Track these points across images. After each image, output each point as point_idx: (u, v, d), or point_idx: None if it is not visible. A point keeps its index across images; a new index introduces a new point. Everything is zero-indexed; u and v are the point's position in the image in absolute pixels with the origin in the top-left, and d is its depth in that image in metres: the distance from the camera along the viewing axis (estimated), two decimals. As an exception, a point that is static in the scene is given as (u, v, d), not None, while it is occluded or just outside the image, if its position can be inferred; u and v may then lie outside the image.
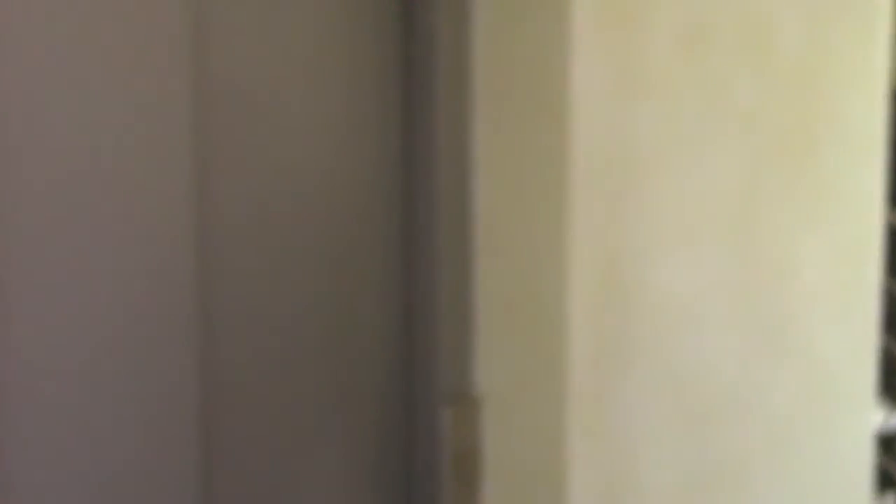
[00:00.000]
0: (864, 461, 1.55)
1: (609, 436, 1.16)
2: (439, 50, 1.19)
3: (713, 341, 1.28)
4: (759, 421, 1.37)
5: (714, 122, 1.25)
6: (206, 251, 1.10)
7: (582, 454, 1.15)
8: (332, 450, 1.22)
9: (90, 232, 1.03)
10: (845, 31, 1.42)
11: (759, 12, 1.29)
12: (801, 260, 1.39)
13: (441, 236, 1.21)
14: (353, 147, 1.21)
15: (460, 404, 1.22)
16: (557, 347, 1.13)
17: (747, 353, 1.33)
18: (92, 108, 1.02)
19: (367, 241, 1.23)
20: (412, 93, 1.23)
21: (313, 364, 1.20)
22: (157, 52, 1.05)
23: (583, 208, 1.13)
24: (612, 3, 1.12)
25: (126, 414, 1.06)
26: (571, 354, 1.12)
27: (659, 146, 1.19)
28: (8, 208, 0.98)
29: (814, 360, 1.43)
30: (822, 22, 1.38)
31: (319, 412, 1.21)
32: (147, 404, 1.07)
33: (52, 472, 1.02)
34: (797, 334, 1.40)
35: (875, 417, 1.87)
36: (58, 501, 1.03)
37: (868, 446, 1.55)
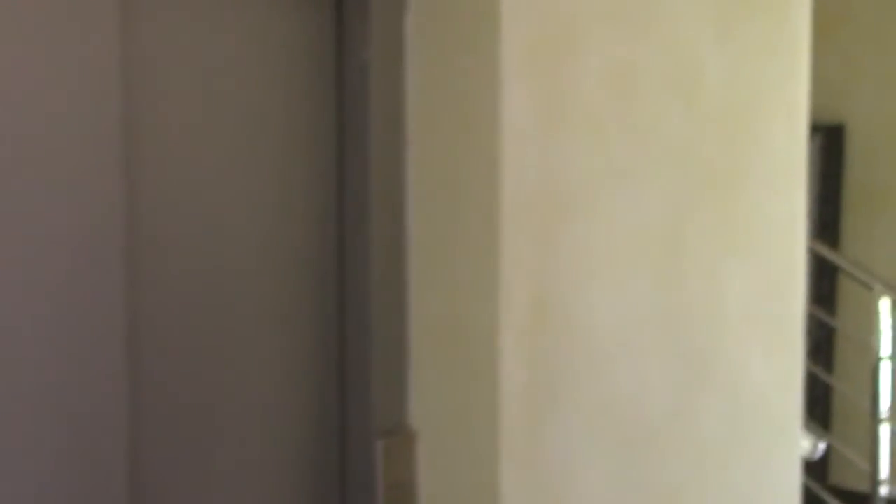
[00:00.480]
0: (793, 487, 1.58)
1: (542, 467, 1.17)
2: (372, 86, 1.20)
3: (643, 371, 1.30)
4: (690, 448, 1.39)
5: (642, 156, 1.28)
6: (134, 296, 1.09)
7: (515, 486, 1.15)
8: (265, 482, 1.21)
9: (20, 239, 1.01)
10: (769, 68, 1.48)
11: (686, 50, 1.33)
12: (728, 290, 1.42)
13: (374, 270, 1.22)
14: (284, 181, 1.21)
15: (395, 437, 1.22)
16: (489, 380, 1.14)
17: (677, 382, 1.36)
18: (20, 135, 1.01)
19: (301, 277, 1.23)
20: (345, 129, 1.24)
21: (245, 397, 1.19)
22: (88, 88, 1.04)
23: (513, 242, 1.14)
24: (541, 41, 1.15)
25: (49, 422, 1.03)
26: (503, 386, 1.13)
27: (588, 180, 1.22)
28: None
29: (742, 388, 1.46)
30: (747, 60, 1.43)
31: (251, 445, 1.20)
32: (71, 413, 1.05)
33: None
34: (726, 362, 1.43)
35: (803, 443, 1.91)
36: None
37: (797, 472, 1.59)
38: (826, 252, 3.30)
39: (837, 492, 3.33)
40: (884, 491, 2.98)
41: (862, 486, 3.10)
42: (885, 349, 2.90)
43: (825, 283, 3.90)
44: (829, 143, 3.98)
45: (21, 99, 1.00)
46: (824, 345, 3.92)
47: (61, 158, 1.02)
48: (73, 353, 1.04)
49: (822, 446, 2.37)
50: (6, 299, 1.00)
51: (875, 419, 2.92)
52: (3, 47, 0.99)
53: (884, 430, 2.93)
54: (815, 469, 3.21)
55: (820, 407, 3.81)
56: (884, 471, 2.97)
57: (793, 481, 1.58)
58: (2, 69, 0.99)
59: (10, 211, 1.00)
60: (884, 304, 2.92)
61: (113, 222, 1.06)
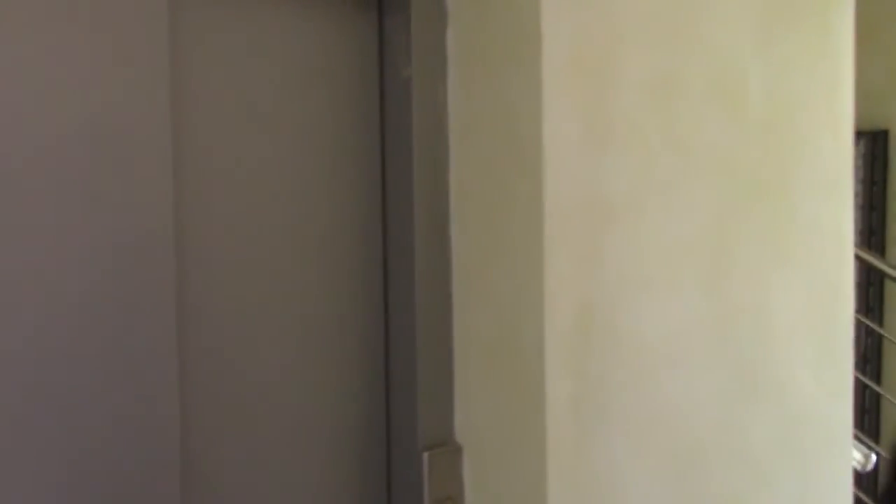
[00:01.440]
0: (844, 498, 1.55)
1: (589, 480, 1.17)
2: (414, 101, 1.21)
3: (690, 383, 1.29)
4: (739, 461, 1.37)
5: (685, 168, 1.27)
6: (184, 326, 1.11)
7: (562, 500, 1.15)
8: (311, 493, 1.22)
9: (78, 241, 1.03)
10: (813, 75, 1.46)
11: (728, 59, 1.32)
12: (776, 299, 1.41)
13: (418, 285, 1.22)
14: (328, 197, 1.22)
15: (440, 451, 1.22)
16: (535, 393, 1.13)
17: (725, 394, 1.34)
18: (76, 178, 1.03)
19: (346, 291, 1.24)
20: (388, 145, 1.25)
21: (292, 409, 1.20)
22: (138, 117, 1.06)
23: (557, 254, 1.14)
24: (582, 52, 1.15)
25: (105, 419, 1.05)
26: (549, 400, 1.13)
27: (631, 191, 1.21)
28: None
29: (791, 399, 1.44)
30: (790, 67, 1.42)
31: (298, 455, 1.21)
32: (123, 416, 1.06)
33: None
34: (774, 373, 1.42)
35: (855, 455, 1.87)
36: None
37: (848, 483, 1.56)
38: (873, 260, 3.25)
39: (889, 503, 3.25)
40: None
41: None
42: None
43: (873, 292, 3.83)
44: (873, 148, 3.93)
45: (82, 113, 1.02)
46: (872, 354, 3.85)
47: (114, 165, 1.05)
48: (127, 355, 1.06)
49: (873, 458, 2.33)
50: (65, 300, 1.02)
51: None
52: (59, 79, 1.01)
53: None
54: (866, 480, 3.15)
55: (870, 417, 3.74)
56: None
57: (844, 493, 1.55)
58: (60, 90, 1.01)
59: (67, 214, 1.02)
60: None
61: (163, 228, 1.08)
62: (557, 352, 1.14)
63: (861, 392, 3.72)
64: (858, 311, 3.65)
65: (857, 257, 2.79)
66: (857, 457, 2.32)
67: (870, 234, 3.92)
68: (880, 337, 3.80)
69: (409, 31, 1.20)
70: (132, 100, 1.05)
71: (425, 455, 1.21)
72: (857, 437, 2.35)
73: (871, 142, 3.91)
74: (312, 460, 1.22)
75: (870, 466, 2.48)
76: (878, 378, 3.84)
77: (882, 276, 3.59)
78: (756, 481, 1.40)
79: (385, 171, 1.26)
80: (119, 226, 1.05)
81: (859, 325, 3.55)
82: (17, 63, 0.99)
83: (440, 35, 1.22)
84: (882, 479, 3.16)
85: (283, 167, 1.19)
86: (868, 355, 3.81)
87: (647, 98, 1.23)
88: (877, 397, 3.72)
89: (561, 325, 1.14)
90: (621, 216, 1.20)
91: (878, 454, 2.63)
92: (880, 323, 3.80)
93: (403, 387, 1.24)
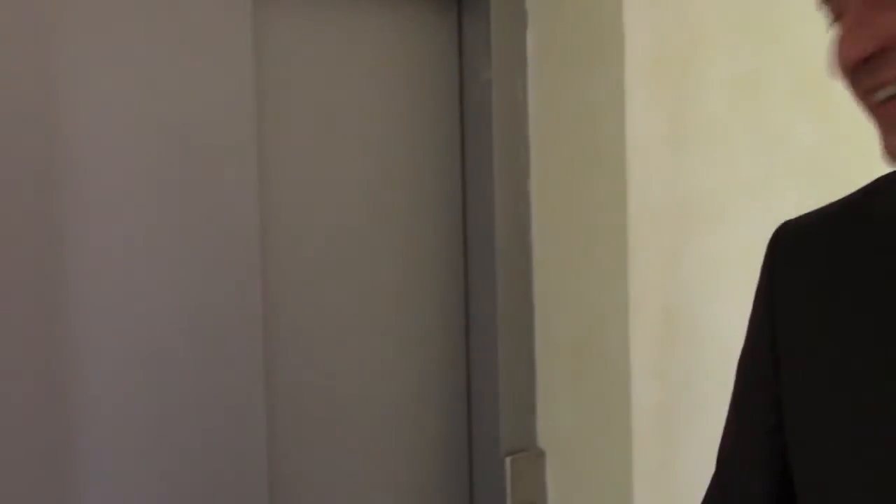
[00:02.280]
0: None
1: (675, 486, 1.15)
2: (495, 104, 1.21)
3: (778, 389, 1.26)
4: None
5: (771, 168, 1.24)
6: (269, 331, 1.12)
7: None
8: (394, 496, 1.22)
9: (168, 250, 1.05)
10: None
11: (813, 56, 1.29)
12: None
13: (499, 291, 1.21)
14: (408, 203, 1.23)
15: (522, 456, 1.21)
16: (620, 399, 1.12)
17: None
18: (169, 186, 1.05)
19: (427, 297, 1.24)
20: (468, 152, 1.25)
21: (375, 414, 1.21)
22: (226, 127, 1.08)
23: (641, 257, 1.12)
24: (665, 52, 1.13)
25: (194, 418, 1.07)
26: (635, 405, 1.11)
27: (715, 192, 1.19)
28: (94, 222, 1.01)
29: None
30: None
31: (381, 459, 1.21)
32: (214, 413, 1.08)
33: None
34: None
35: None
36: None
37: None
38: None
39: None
40: None
41: None
42: None
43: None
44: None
45: (172, 115, 1.04)
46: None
47: (203, 168, 1.06)
48: (217, 359, 1.08)
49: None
50: (157, 308, 1.04)
51: None
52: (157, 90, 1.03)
53: None
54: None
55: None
56: None
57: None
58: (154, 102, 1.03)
59: (156, 220, 1.04)
60: None
61: (249, 229, 1.09)
62: (642, 357, 1.12)
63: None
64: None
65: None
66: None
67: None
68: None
69: (489, 34, 1.20)
70: (218, 101, 1.07)
71: (508, 460, 1.20)
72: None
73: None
74: (396, 466, 1.22)
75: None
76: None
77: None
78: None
79: (465, 176, 1.25)
80: (207, 227, 1.06)
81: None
82: (107, 65, 1.01)
83: (520, 37, 1.21)
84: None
85: (363, 170, 1.19)
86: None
87: (732, 96, 1.20)
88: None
89: (646, 329, 1.12)
90: (706, 218, 1.18)
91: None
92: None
93: (486, 392, 1.23)
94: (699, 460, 1.17)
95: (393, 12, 1.21)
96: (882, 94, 0.47)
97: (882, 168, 1.59)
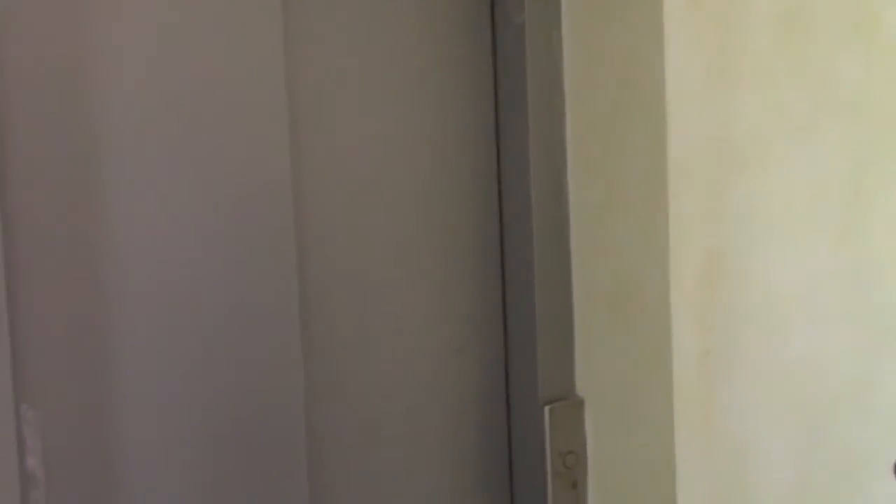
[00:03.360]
0: None
1: (717, 434, 1.13)
2: (528, 48, 1.17)
3: (822, 334, 1.23)
4: (873, 419, 1.31)
5: (817, 107, 1.20)
6: (305, 264, 1.11)
7: (690, 453, 1.12)
8: (431, 448, 1.22)
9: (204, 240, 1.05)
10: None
11: (860, -10, 1.24)
12: (915, 247, 1.32)
13: (535, 237, 1.19)
14: (441, 147, 1.21)
15: (561, 405, 1.20)
16: (661, 346, 1.10)
17: (859, 346, 1.28)
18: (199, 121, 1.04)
19: (462, 245, 1.23)
20: (502, 97, 1.22)
21: (411, 364, 1.20)
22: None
23: (682, 202, 1.10)
24: (706, -11, 1.09)
25: (232, 406, 1.07)
26: (676, 353, 1.09)
27: (758, 133, 1.15)
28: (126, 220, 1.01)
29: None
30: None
31: (418, 411, 1.21)
32: (252, 398, 1.09)
33: (167, 450, 1.05)
34: (912, 325, 1.34)
35: None
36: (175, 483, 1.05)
37: None
38: None
39: None
40: None
41: None
42: None
43: None
44: None
45: (206, 106, 1.04)
46: None
47: (236, 153, 1.06)
48: (254, 346, 1.08)
49: None
50: (193, 303, 1.05)
51: None
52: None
53: None
54: None
55: None
56: None
57: None
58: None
59: (196, 207, 1.04)
60: None
61: (283, 213, 1.09)
62: (683, 303, 1.10)
63: None
64: None
65: None
66: None
67: None
68: None
69: (522, -25, 1.17)
70: (247, 54, 1.05)
71: (546, 409, 1.19)
72: None
73: None
74: (433, 416, 1.22)
75: None
76: None
77: None
78: (891, 438, 1.34)
79: (499, 122, 1.23)
80: (241, 215, 1.06)
81: None
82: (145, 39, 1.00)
83: (554, -23, 1.18)
84: None
85: (394, 116, 1.17)
86: None
87: (775, 33, 1.16)
88: None
89: (687, 275, 1.10)
90: (748, 160, 1.15)
91: None
92: None
93: (523, 341, 1.22)
94: (743, 406, 1.16)
95: (423, -46, 1.18)
96: None
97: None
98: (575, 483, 1.21)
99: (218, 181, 1.05)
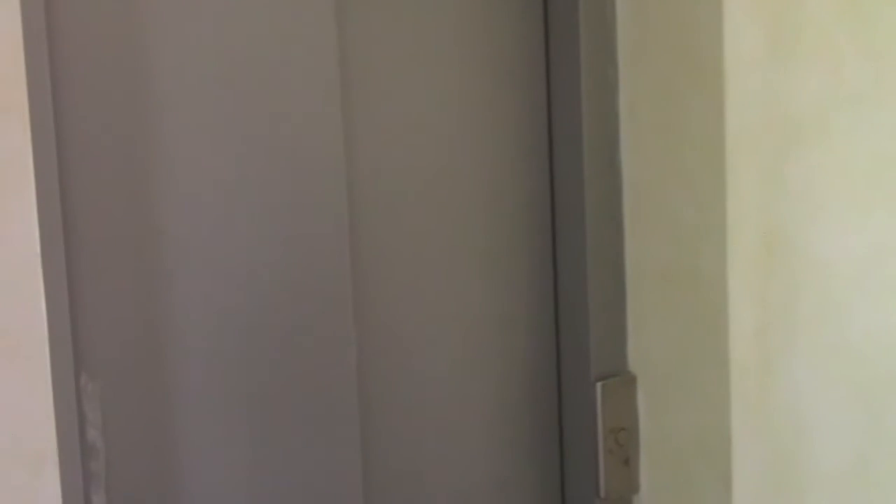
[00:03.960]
0: None
1: (773, 412, 1.11)
2: (581, 16, 1.15)
3: (882, 310, 1.20)
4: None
5: (880, 79, 1.17)
6: (358, 245, 1.11)
7: (745, 430, 1.10)
8: (482, 424, 1.22)
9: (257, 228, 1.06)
10: None
11: (925, -43, 1.20)
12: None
13: (587, 213, 1.18)
14: (493, 119, 1.19)
15: (613, 382, 1.19)
16: (717, 322, 1.08)
17: (920, 324, 1.25)
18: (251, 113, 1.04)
19: (514, 221, 1.22)
20: (553, 69, 1.20)
21: (463, 341, 1.20)
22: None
23: (739, 176, 1.08)
24: (767, -44, 1.06)
25: (287, 367, 1.08)
26: (732, 329, 1.08)
27: (819, 106, 1.12)
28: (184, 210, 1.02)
29: None
30: None
31: (468, 387, 1.21)
32: (306, 383, 1.09)
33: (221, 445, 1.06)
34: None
35: None
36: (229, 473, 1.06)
37: None
38: None
39: None
40: None
41: None
42: None
43: None
44: None
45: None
46: None
47: (290, 139, 1.06)
48: (307, 310, 1.08)
49: None
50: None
51: None
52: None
53: None
54: None
55: None
56: None
57: None
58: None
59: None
60: None
61: (334, 159, 1.08)
62: (740, 278, 1.08)
63: None
64: None
65: None
66: None
67: None
68: None
69: (575, -59, 1.15)
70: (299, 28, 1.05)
71: (598, 385, 1.18)
72: None
73: None
74: (484, 391, 1.22)
75: None
76: None
77: None
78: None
79: (550, 94, 1.21)
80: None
81: None
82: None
83: (608, -55, 1.15)
84: None
85: (445, 84, 1.16)
86: None
87: (838, 2, 1.12)
88: None
89: (744, 250, 1.08)
90: (808, 133, 1.12)
91: None
92: None
93: (574, 316, 1.21)
94: (800, 385, 1.14)
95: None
96: None
97: None
98: (627, 460, 1.20)
99: (272, 164, 1.06)
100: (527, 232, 1.22)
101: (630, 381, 1.19)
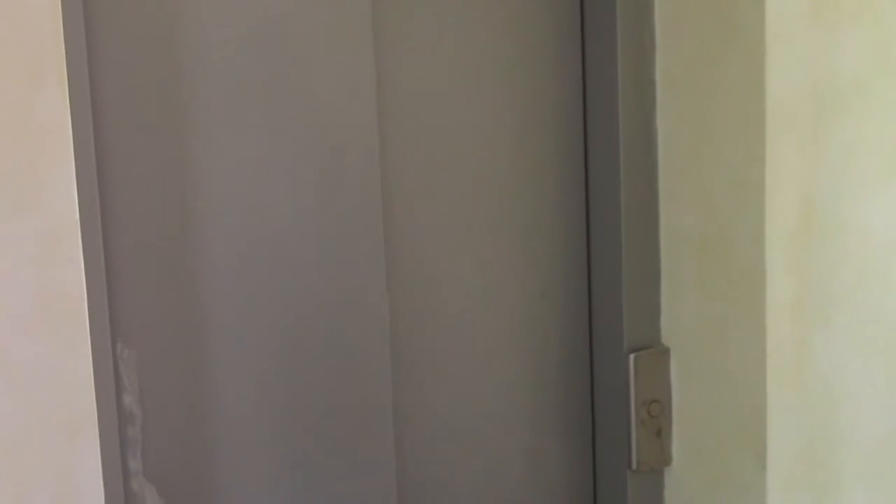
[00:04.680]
0: None
1: (811, 384, 1.10)
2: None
3: (921, 284, 1.19)
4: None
5: (924, 45, 1.14)
6: (391, 232, 1.11)
7: (781, 403, 1.09)
8: (514, 396, 1.22)
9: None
10: None
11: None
12: None
13: (622, 182, 1.16)
14: (530, 88, 1.18)
15: (647, 354, 1.18)
16: (754, 294, 1.07)
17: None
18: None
19: (547, 190, 1.20)
20: (588, 34, 1.18)
21: (494, 311, 1.19)
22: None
23: (778, 145, 1.06)
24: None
25: (320, 338, 1.09)
26: (769, 300, 1.06)
27: (862, 74, 1.10)
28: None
29: None
30: None
31: (500, 359, 1.20)
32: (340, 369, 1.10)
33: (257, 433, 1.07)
34: None
35: None
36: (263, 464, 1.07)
37: None
38: None
39: None
40: None
41: None
42: None
43: None
44: None
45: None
46: None
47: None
48: (340, 285, 1.09)
49: None
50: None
51: None
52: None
53: None
54: None
55: None
56: None
57: None
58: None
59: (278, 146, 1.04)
60: None
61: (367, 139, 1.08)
62: (778, 249, 1.06)
63: None
64: None
65: None
66: None
67: None
68: None
69: None
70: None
71: (631, 357, 1.17)
72: None
73: None
74: (516, 363, 1.21)
75: None
76: None
77: None
78: None
79: (585, 60, 1.19)
80: (326, 155, 1.06)
81: None
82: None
83: None
84: None
85: (477, 55, 1.15)
86: None
87: (882, -33, 1.10)
88: None
89: (782, 220, 1.06)
90: (849, 103, 1.10)
91: None
92: None
93: (607, 288, 1.20)
94: (837, 355, 1.13)
95: None
96: None
97: None
98: (659, 431, 1.19)
99: (305, 145, 1.05)
100: (561, 203, 1.21)
101: (663, 354, 1.19)
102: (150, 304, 1.00)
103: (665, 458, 1.21)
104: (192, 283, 1.01)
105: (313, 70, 1.05)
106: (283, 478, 1.08)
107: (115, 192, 0.95)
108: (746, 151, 1.06)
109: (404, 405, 1.14)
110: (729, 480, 1.14)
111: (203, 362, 1.03)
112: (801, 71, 1.06)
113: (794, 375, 1.09)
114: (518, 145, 1.18)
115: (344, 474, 1.10)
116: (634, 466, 1.20)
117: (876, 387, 1.15)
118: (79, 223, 0.81)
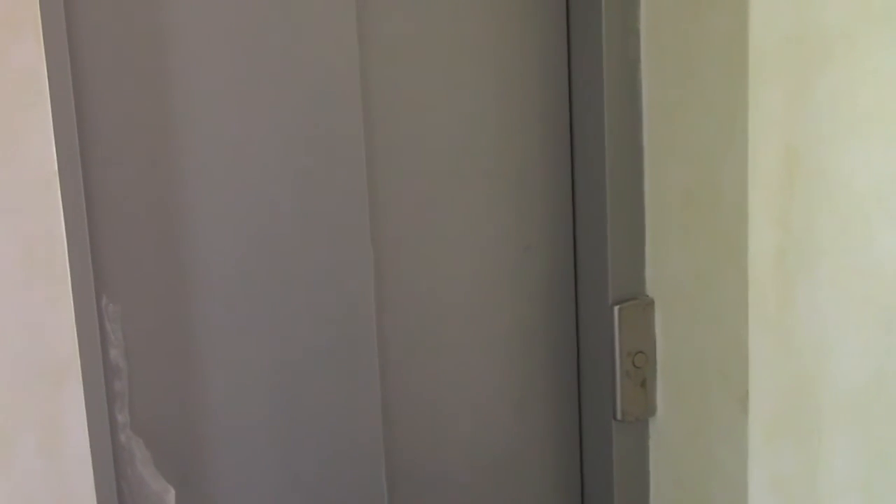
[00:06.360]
0: None
1: (794, 335, 1.11)
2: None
3: (904, 235, 1.19)
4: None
5: (909, -7, 1.13)
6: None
7: (763, 352, 1.10)
8: (499, 348, 1.22)
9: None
10: None
11: None
12: None
13: (606, 133, 1.16)
14: (514, 38, 1.17)
15: (631, 305, 1.19)
16: (737, 244, 1.07)
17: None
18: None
19: (532, 142, 1.20)
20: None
21: (479, 263, 1.20)
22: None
23: (762, 95, 1.06)
24: None
25: (306, 297, 1.09)
26: (752, 251, 1.07)
27: (847, 24, 1.09)
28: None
29: None
30: None
31: (485, 310, 1.21)
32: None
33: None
34: None
35: None
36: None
37: None
38: None
39: None
40: None
41: None
42: None
43: None
44: None
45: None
46: None
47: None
48: (324, 242, 1.08)
49: None
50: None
51: None
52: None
53: None
54: None
55: None
56: None
57: None
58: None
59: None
60: None
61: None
62: (761, 200, 1.07)
63: None
64: None
65: None
66: None
67: None
68: None
69: None
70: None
71: (616, 308, 1.18)
72: None
73: None
74: (500, 314, 1.22)
75: None
76: None
77: None
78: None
79: (569, 11, 1.19)
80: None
81: None
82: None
83: None
84: None
85: (459, 9, 1.14)
86: None
87: (868, -86, 1.09)
88: None
89: (765, 171, 1.06)
90: (834, 52, 1.09)
91: None
92: None
93: (592, 240, 1.20)
94: (820, 305, 1.13)
95: None
96: None
97: None
98: (644, 382, 1.20)
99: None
100: (545, 156, 1.21)
101: (648, 305, 1.19)
102: (137, 261, 1.00)
103: (650, 409, 1.22)
104: (180, 240, 1.01)
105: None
106: (271, 429, 1.09)
107: (98, 144, 0.94)
108: (730, 102, 1.06)
109: (391, 359, 1.15)
110: (712, 429, 1.15)
111: (189, 318, 1.03)
112: (785, 20, 1.05)
113: (776, 324, 1.10)
114: (501, 97, 1.18)
115: (333, 421, 1.11)
116: (619, 417, 1.21)
117: (857, 334, 1.16)
118: (57, 174, 0.81)
